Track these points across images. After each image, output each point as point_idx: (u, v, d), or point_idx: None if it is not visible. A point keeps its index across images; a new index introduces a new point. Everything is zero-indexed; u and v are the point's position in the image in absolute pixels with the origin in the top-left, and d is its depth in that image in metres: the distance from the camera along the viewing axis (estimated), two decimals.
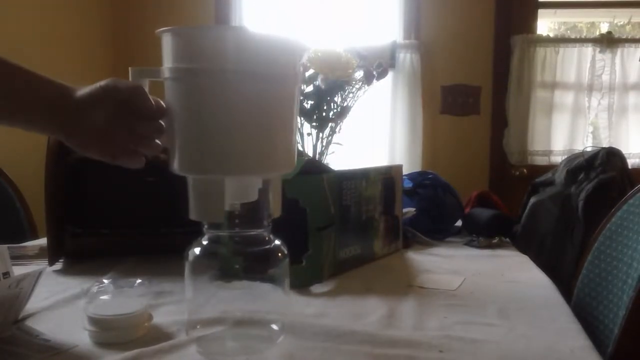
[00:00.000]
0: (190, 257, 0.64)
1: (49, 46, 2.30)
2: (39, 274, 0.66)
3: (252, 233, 0.65)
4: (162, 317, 0.72)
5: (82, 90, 0.61)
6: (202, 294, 0.65)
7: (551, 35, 2.66)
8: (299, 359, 0.63)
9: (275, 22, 2.75)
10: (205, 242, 0.64)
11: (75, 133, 0.61)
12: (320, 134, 1.24)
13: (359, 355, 0.63)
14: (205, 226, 0.64)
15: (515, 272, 1.01)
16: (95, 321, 0.66)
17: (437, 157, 2.67)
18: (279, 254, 0.65)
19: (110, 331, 0.66)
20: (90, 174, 1.02)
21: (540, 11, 2.66)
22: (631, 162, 2.39)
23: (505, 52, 2.61)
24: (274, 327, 0.67)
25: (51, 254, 1.00)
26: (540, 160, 2.62)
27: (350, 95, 1.24)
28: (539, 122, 2.61)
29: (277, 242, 0.66)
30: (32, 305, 0.69)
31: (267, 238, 0.66)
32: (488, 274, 1.00)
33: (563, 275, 1.51)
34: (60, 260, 1.04)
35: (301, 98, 1.21)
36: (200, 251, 0.64)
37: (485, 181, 2.67)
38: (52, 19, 2.35)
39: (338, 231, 0.96)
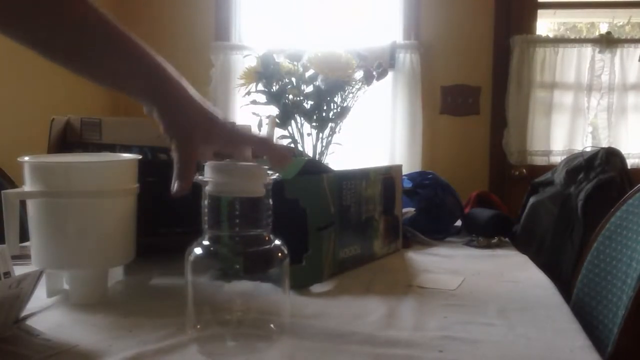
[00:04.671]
0: (191, 257, 0.64)
1: None
2: (39, 274, 0.66)
3: (253, 233, 0.65)
4: (162, 317, 0.73)
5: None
6: (202, 294, 0.65)
7: (551, 35, 2.66)
8: (299, 359, 0.63)
9: (275, 22, 2.75)
10: (205, 242, 0.64)
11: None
12: (320, 134, 1.25)
13: (359, 355, 0.64)
14: (206, 226, 0.64)
15: (514, 272, 1.01)
16: (217, 169, 0.62)
17: (436, 157, 2.67)
18: (279, 254, 0.65)
19: (233, 180, 0.62)
20: None
21: (540, 11, 2.67)
22: (630, 162, 2.40)
23: (504, 52, 2.62)
24: (274, 327, 0.68)
25: None
26: (539, 161, 2.62)
27: (350, 95, 1.24)
28: (539, 122, 2.61)
29: (277, 242, 0.66)
30: (32, 304, 0.69)
31: (267, 238, 0.66)
32: (488, 273, 1.00)
33: (562, 275, 1.52)
34: None
35: (301, 98, 1.21)
36: (200, 251, 0.64)
37: (485, 181, 2.68)
38: None
39: (338, 231, 0.96)
